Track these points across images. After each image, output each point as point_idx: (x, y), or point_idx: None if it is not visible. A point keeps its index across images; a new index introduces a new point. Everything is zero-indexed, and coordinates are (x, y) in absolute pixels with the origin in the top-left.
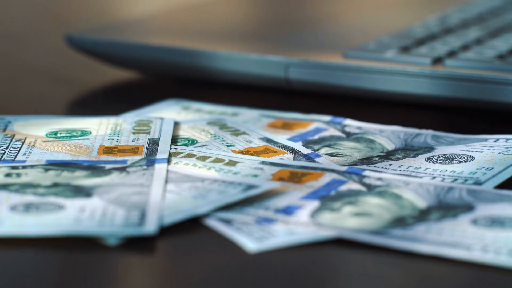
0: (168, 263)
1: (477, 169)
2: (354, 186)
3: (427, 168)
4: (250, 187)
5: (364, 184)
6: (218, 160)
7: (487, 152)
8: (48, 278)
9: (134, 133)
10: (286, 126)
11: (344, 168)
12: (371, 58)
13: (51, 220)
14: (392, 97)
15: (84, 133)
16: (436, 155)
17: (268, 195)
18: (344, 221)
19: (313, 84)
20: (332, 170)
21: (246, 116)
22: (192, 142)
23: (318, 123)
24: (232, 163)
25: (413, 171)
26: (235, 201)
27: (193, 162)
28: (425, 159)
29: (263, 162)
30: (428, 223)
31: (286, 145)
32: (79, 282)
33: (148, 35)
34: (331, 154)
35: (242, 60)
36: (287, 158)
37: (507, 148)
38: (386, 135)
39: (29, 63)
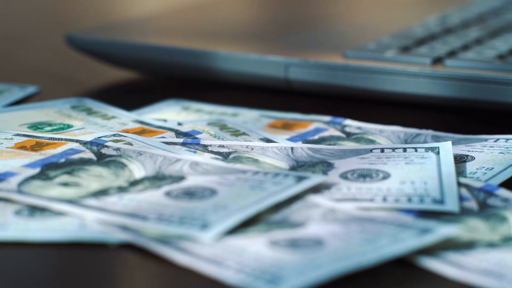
0: (168, 263)
1: (477, 169)
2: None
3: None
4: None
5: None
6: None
7: (487, 152)
8: (48, 278)
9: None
10: (286, 126)
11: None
12: (371, 58)
13: (56, 225)
14: (392, 97)
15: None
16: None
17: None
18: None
19: (313, 84)
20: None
21: (246, 116)
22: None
23: (318, 123)
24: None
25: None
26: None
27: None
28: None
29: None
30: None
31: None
32: (79, 282)
33: (148, 35)
34: (66, 185)
35: (242, 60)
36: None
37: (507, 148)
38: (386, 135)
39: (29, 63)
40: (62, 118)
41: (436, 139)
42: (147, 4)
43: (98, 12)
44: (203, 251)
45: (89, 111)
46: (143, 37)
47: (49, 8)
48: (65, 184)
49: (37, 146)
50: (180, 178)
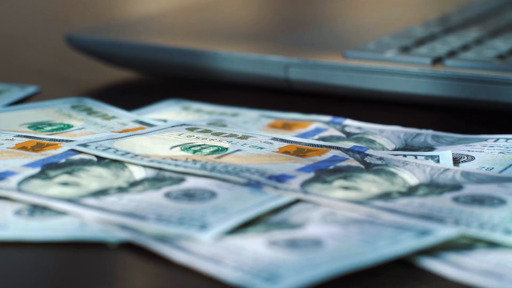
0: (168, 262)
1: (477, 168)
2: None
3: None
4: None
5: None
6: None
7: (487, 152)
8: (48, 278)
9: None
10: (286, 126)
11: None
12: (371, 58)
13: (56, 224)
14: (392, 97)
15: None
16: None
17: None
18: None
19: (313, 84)
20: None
21: (246, 116)
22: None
23: (318, 123)
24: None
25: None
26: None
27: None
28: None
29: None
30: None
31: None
32: (79, 282)
33: (148, 35)
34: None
35: (242, 60)
36: None
37: (507, 148)
38: (386, 135)
39: (29, 63)
40: (62, 118)
41: (436, 139)
42: (147, 4)
43: (98, 12)
44: (202, 249)
45: (89, 111)
46: (143, 37)
47: (49, 8)
48: (65, 184)
49: (38, 147)
50: (180, 179)
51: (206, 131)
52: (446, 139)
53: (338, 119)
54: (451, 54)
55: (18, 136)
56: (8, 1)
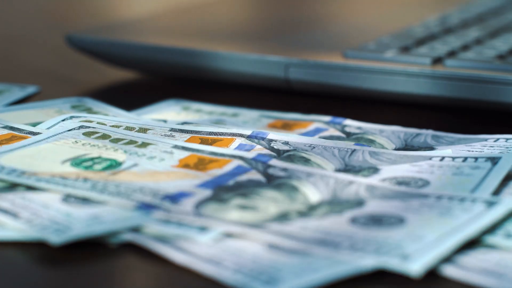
0: (167, 263)
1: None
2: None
3: None
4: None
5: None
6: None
7: (487, 152)
8: (48, 278)
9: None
10: (286, 126)
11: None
12: (371, 58)
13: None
14: (392, 97)
15: None
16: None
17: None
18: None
19: (313, 84)
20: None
21: (246, 116)
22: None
23: (318, 124)
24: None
25: None
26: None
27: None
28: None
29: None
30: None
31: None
32: (79, 282)
33: (148, 35)
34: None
35: (242, 60)
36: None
37: (507, 148)
38: (386, 135)
39: (29, 63)
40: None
41: (436, 139)
42: (147, 4)
43: (98, 12)
44: (201, 251)
45: (89, 111)
46: (143, 37)
47: (49, 8)
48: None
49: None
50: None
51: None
52: (446, 139)
53: (338, 119)
54: (451, 54)
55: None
56: (8, 1)
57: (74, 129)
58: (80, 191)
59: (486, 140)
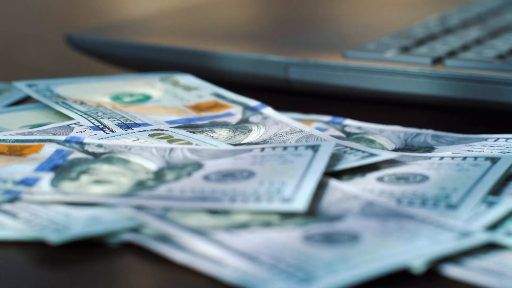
0: (169, 263)
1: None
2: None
3: None
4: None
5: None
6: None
7: (487, 151)
8: (48, 278)
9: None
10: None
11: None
12: (371, 58)
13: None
14: (392, 97)
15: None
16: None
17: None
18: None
19: (313, 84)
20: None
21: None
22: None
23: (318, 123)
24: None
25: None
26: None
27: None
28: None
29: None
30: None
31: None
32: (79, 281)
33: (148, 35)
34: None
35: (242, 60)
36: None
37: (507, 147)
38: (386, 135)
39: (29, 63)
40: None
41: (436, 138)
42: (147, 4)
43: (98, 12)
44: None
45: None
46: (143, 37)
47: (49, 8)
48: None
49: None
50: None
51: None
52: (446, 139)
53: (338, 119)
54: (451, 54)
55: None
56: (8, 1)
57: None
58: None
59: (486, 139)
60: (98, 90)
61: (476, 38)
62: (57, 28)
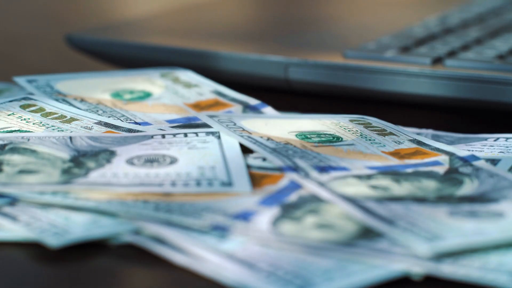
0: (167, 264)
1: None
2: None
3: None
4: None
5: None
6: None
7: (487, 151)
8: (47, 278)
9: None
10: None
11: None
12: (371, 58)
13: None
14: (392, 97)
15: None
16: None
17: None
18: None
19: (313, 84)
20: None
21: None
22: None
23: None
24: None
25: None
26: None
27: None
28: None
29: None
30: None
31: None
32: (79, 282)
33: (148, 35)
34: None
35: (242, 60)
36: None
37: (507, 147)
38: None
39: (29, 62)
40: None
41: (436, 138)
42: (147, 4)
43: (98, 12)
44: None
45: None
46: (143, 37)
47: (49, 8)
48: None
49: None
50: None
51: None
52: (446, 139)
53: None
54: (451, 54)
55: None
56: (8, 1)
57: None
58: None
59: (486, 139)
60: (99, 87)
61: (476, 38)
62: (57, 28)
